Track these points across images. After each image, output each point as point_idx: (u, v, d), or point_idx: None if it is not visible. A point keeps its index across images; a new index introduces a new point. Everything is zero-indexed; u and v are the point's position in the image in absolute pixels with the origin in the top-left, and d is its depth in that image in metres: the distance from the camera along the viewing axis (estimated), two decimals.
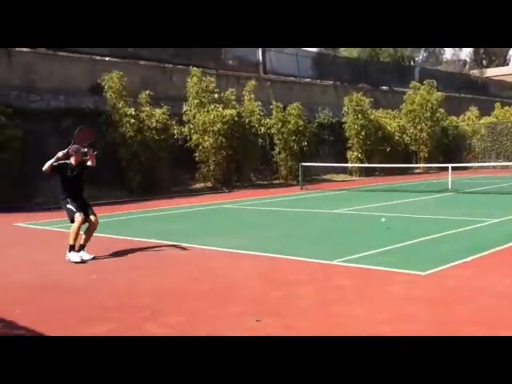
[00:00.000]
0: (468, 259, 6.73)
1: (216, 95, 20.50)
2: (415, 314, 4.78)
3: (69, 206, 7.72)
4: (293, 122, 22.62)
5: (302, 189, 19.13)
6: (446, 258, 6.77)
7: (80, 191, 8.01)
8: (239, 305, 5.27)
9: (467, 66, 60.33)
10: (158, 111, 19.24)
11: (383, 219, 10.22)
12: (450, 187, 16.52)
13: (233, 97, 21.08)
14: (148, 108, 19.10)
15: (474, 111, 32.59)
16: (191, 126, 20.16)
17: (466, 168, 26.11)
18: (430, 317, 4.70)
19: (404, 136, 28.43)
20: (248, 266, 6.96)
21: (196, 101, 20.27)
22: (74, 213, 7.61)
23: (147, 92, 19.19)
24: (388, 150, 26.95)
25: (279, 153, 22.99)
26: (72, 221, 7.65)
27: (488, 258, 6.85)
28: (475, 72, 51.10)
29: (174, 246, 8.48)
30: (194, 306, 5.28)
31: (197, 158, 20.13)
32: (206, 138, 19.90)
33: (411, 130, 28.62)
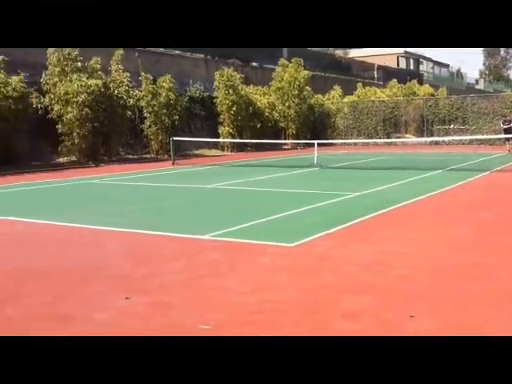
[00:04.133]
0: (332, 230, 7.02)
1: (79, 64, 19.35)
2: (282, 284, 4.88)
3: None
4: (164, 94, 22.13)
5: (173, 164, 18.86)
6: (313, 230, 7.00)
7: None
8: (106, 283, 5.03)
9: None
10: (14, 79, 17.75)
11: None
12: (315, 162, 17.21)
13: (98, 66, 20.07)
14: (2, 75, 17.54)
15: (337, 90, 34.23)
16: (52, 95, 18.88)
17: (330, 144, 27.40)
18: (296, 285, 4.82)
19: (273, 112, 29.12)
20: (115, 243, 6.68)
21: (57, 69, 18.99)
22: None
23: (1, 58, 17.59)
24: (258, 125, 27.45)
25: (150, 126, 22.41)
26: None
27: (350, 229, 7.20)
28: (340, 52, 53.56)
29: (33, 223, 7.89)
30: (57, 286, 4.95)
31: (59, 131, 18.93)
32: (69, 109, 18.76)
33: (280, 107, 29.37)
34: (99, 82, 19.44)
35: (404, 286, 4.76)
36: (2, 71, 17.61)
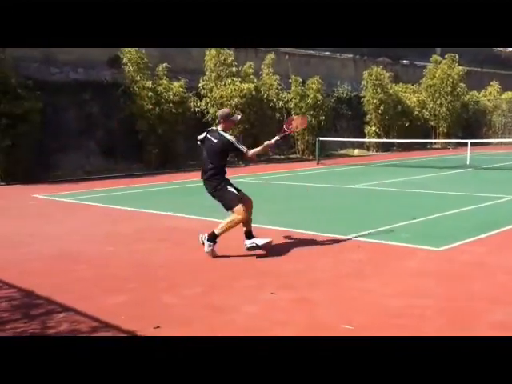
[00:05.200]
0: (483, 236, 6.72)
1: (234, 69, 20.36)
2: (427, 290, 4.82)
3: (230, 189, 6.20)
4: (312, 96, 22.42)
5: (318, 163, 19.09)
6: (462, 235, 6.76)
7: None
8: (254, 277, 5.35)
9: None
10: (175, 84, 19.22)
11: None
12: (468, 163, 16.35)
13: (251, 70, 20.93)
14: (165, 81, 19.09)
15: (495, 86, 31.98)
16: (208, 99, 20.13)
17: (485, 144, 25.75)
18: (441, 292, 4.73)
19: (423, 111, 28.06)
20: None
21: (214, 74, 20.18)
22: (237, 201, 6.14)
23: (164, 65, 19.16)
24: (406, 124, 26.65)
25: (296, 127, 22.85)
26: (229, 208, 6.19)
27: (504, 236, 6.82)
28: None
29: (190, 218, 8.58)
30: (210, 278, 5.37)
31: None
32: None
33: (431, 105, 28.21)
34: (251, 85, 20.28)
35: None
36: (165, 77, 19.18)
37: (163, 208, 9.68)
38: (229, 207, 6.20)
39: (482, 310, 4.28)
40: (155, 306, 4.57)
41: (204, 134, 6.40)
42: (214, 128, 6.51)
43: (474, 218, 8.19)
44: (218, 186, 6.18)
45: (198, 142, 6.50)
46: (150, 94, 18.36)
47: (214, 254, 6.14)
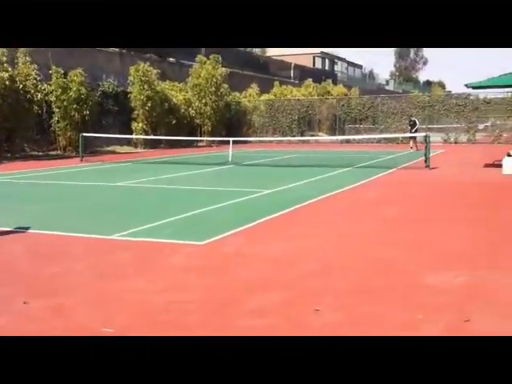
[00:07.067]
0: (243, 228, 7.08)
1: None
2: (191, 283, 4.87)
3: None
4: (74, 89, 21.37)
5: (82, 160, 18.25)
6: (224, 228, 7.02)
7: None
8: (5, 286, 4.78)
9: None
10: None
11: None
12: (230, 160, 17.28)
13: (4, 58, 19.06)
14: None
15: (254, 88, 34.56)
16: None
17: (245, 142, 27.61)
18: (205, 284, 4.81)
19: (190, 109, 28.92)
20: (17, 244, 6.37)
21: None
22: None
23: None
24: (174, 122, 27.17)
25: (58, 122, 21.55)
26: None
27: (261, 227, 7.29)
28: (257, 51, 53.93)
29: None
30: None
31: None
32: None
33: (196, 104, 29.23)
34: (5, 74, 18.49)
35: (311, 281, 4.88)
36: None
37: None
38: None
39: (241, 298, 4.45)
40: None
41: None
42: None
43: (235, 211, 8.62)
44: None
45: None
46: None
47: None
